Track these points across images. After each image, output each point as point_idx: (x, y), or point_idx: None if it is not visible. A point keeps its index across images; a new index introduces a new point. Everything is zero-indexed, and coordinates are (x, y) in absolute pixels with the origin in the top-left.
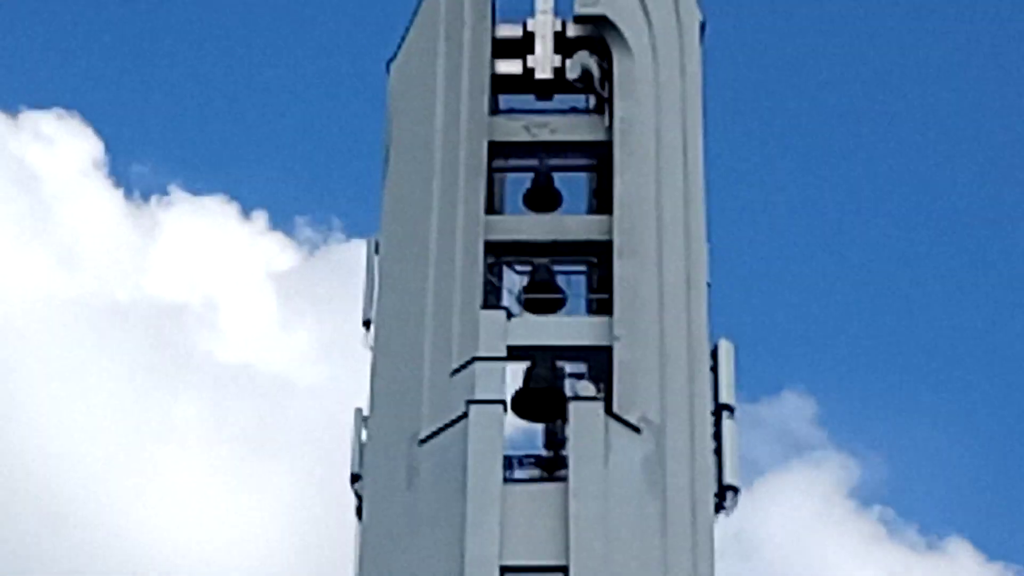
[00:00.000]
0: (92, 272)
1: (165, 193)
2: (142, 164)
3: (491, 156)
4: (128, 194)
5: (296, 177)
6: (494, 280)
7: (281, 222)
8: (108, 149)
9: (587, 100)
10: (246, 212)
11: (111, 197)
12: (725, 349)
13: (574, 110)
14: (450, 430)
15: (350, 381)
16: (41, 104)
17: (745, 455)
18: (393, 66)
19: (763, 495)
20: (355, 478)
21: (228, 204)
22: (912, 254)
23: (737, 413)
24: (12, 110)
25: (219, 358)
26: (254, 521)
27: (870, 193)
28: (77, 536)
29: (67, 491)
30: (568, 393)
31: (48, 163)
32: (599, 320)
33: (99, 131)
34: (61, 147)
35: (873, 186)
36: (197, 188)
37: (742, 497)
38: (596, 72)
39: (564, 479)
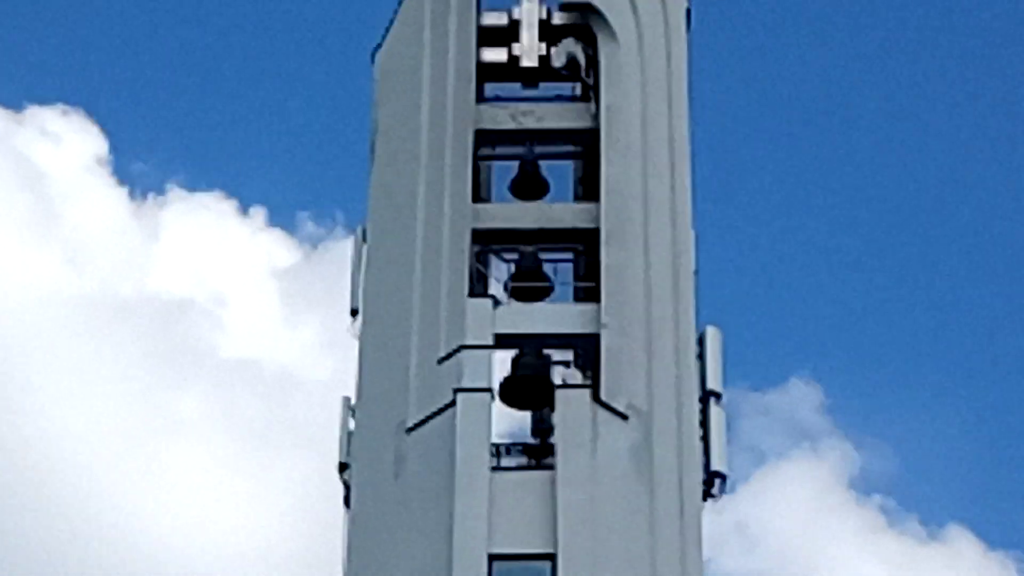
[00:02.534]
0: (97, 269)
1: (167, 190)
2: (144, 161)
3: (477, 144)
4: (131, 191)
5: (299, 173)
6: (481, 268)
7: (282, 217)
8: (112, 146)
9: (573, 88)
10: (245, 208)
11: (115, 194)
12: (712, 336)
13: (560, 98)
14: (438, 418)
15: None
16: (45, 100)
17: (750, 444)
18: (378, 55)
19: (767, 484)
20: (343, 467)
21: (227, 201)
22: (920, 242)
23: (743, 402)
24: (17, 106)
25: (223, 354)
26: (259, 514)
27: (871, 178)
28: (82, 530)
29: (73, 486)
30: (555, 381)
31: (53, 160)
32: (586, 308)
33: (103, 128)
34: (66, 144)
35: (874, 171)
36: (198, 185)
37: (745, 487)
38: (582, 59)
39: (552, 467)
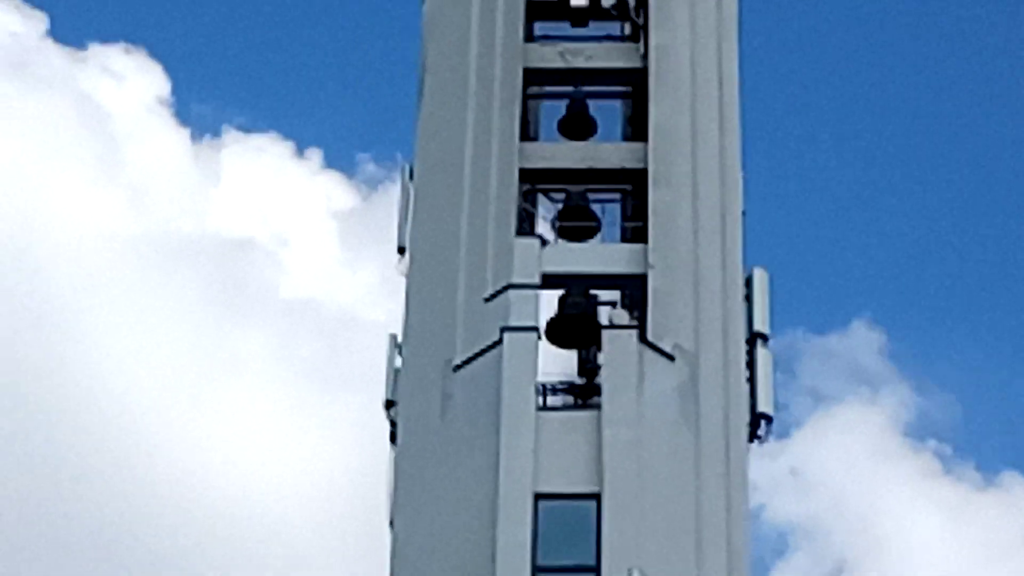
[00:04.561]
0: (158, 209)
1: (223, 132)
2: (203, 101)
3: (526, 83)
4: (194, 131)
5: (359, 114)
6: (528, 207)
7: (340, 159)
8: (174, 86)
9: (622, 27)
10: (301, 150)
11: (176, 135)
12: (759, 278)
13: (609, 37)
14: (484, 357)
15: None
16: (107, 38)
17: (810, 388)
18: None
19: (823, 429)
20: (389, 404)
21: (283, 143)
22: (988, 182)
23: (805, 345)
24: (79, 44)
25: (284, 294)
26: (317, 453)
27: (933, 115)
28: (142, 471)
29: (134, 425)
30: (602, 321)
31: (115, 100)
32: (633, 248)
33: (166, 67)
34: (129, 84)
35: (935, 107)
36: (255, 127)
37: (799, 432)
38: None
39: (598, 407)
